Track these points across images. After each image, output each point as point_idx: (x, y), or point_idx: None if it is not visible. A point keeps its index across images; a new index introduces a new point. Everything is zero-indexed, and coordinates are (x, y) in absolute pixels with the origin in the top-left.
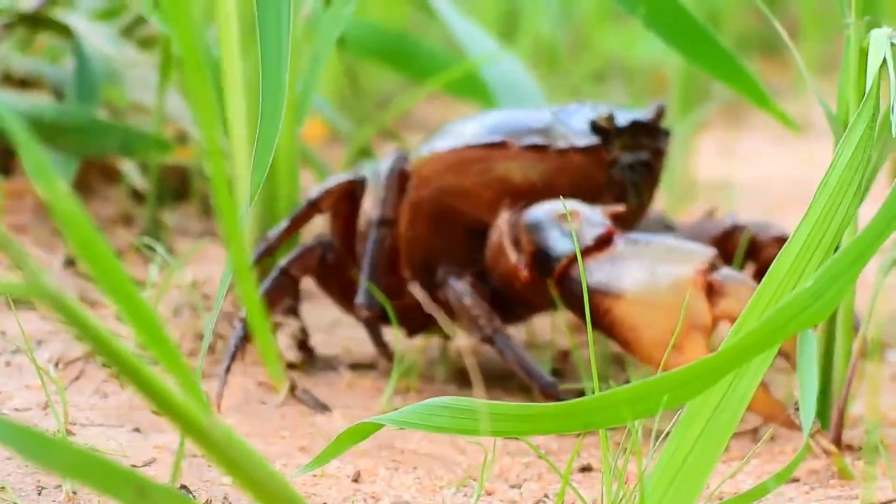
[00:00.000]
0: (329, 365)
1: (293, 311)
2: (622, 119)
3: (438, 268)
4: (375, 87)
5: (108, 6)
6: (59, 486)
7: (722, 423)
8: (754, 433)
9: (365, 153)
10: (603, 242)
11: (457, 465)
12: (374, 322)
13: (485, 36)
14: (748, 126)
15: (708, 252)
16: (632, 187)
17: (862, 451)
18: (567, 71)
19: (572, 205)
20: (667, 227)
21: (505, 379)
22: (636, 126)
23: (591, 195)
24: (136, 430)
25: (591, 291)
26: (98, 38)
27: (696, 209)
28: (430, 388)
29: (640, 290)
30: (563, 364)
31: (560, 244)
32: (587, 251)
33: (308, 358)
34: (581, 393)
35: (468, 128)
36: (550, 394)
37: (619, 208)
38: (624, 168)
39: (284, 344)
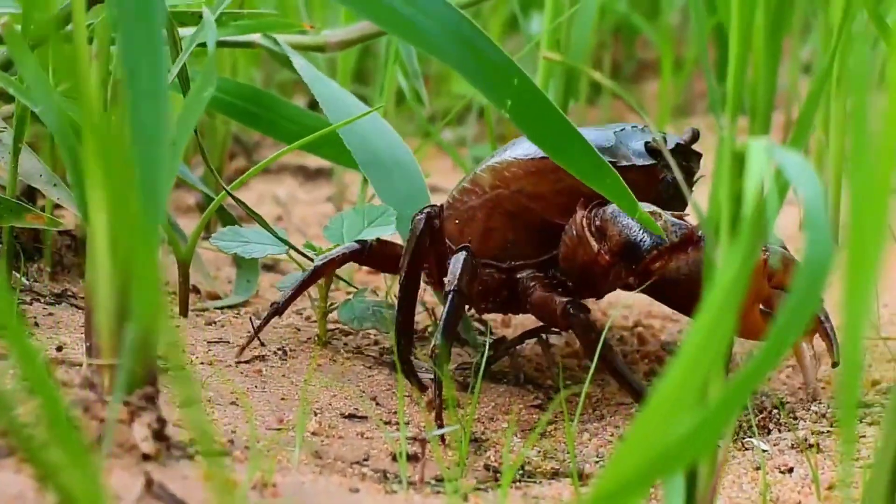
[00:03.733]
0: (185, 453)
1: (151, 400)
2: (670, 142)
3: (508, 257)
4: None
5: None
6: None
7: None
8: None
9: (226, 219)
10: (687, 241)
11: None
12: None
13: (347, 95)
14: None
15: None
16: (674, 202)
17: None
18: (420, 113)
19: (650, 206)
20: None
21: (361, 464)
22: (678, 148)
23: None
24: None
25: (683, 280)
26: None
27: None
28: (286, 480)
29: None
30: (422, 448)
31: (649, 238)
32: (674, 247)
33: (165, 447)
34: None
35: None
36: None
37: (683, 213)
38: (669, 185)
39: (140, 435)
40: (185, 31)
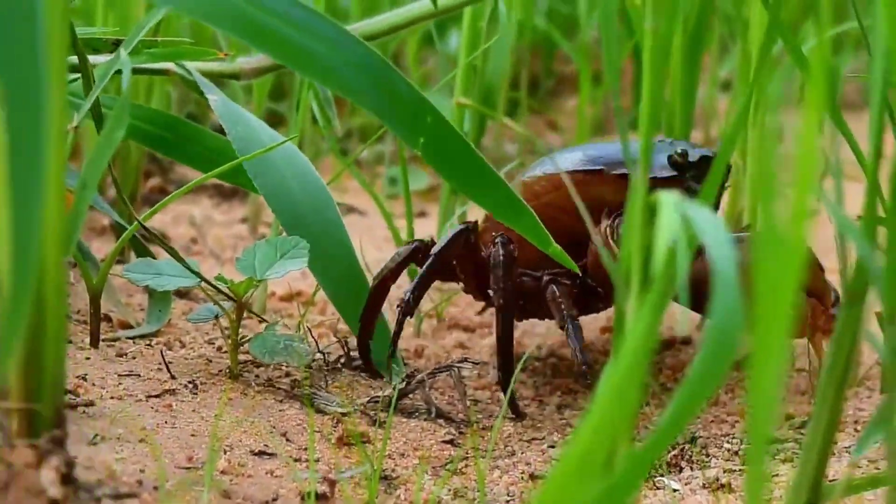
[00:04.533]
0: (92, 495)
1: (59, 443)
2: (693, 155)
3: (542, 266)
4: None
5: None
6: None
7: None
8: None
9: (137, 245)
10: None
11: None
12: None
13: (259, 128)
14: None
15: None
16: None
17: None
18: (332, 139)
19: None
20: None
21: (278, 501)
22: (704, 160)
23: None
24: None
25: (702, 282)
26: None
27: None
28: None
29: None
30: (331, 487)
31: None
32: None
33: (73, 491)
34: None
35: (574, 156)
36: (585, 375)
37: None
38: (694, 195)
39: (48, 479)
40: (99, 58)
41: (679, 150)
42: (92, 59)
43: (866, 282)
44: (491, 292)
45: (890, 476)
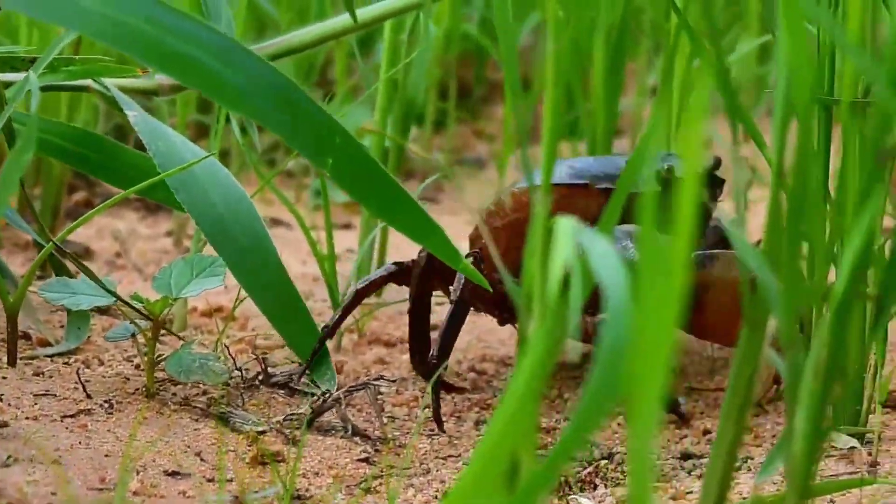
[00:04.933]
0: None
1: None
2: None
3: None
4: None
5: None
6: None
7: None
8: None
9: (56, 264)
10: None
11: None
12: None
13: (180, 143)
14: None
15: None
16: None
17: None
18: (252, 156)
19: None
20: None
21: None
22: None
23: None
24: None
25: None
26: None
27: None
28: None
29: (715, 293)
30: None
31: None
32: None
33: None
34: None
35: (562, 169)
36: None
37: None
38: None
39: None
40: (19, 76)
41: (666, 167)
42: (10, 76)
43: (767, 305)
44: (451, 291)
45: (789, 496)
